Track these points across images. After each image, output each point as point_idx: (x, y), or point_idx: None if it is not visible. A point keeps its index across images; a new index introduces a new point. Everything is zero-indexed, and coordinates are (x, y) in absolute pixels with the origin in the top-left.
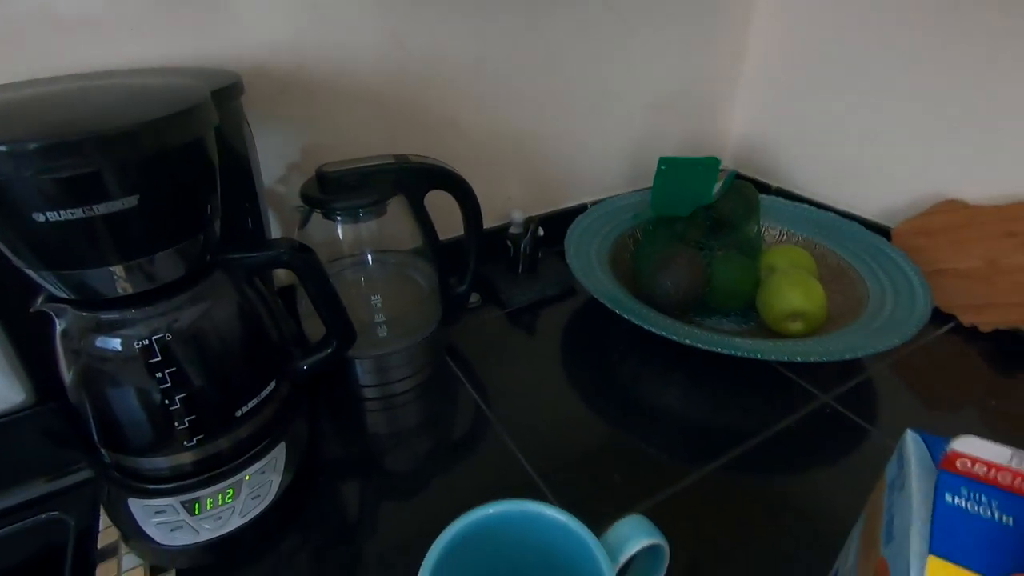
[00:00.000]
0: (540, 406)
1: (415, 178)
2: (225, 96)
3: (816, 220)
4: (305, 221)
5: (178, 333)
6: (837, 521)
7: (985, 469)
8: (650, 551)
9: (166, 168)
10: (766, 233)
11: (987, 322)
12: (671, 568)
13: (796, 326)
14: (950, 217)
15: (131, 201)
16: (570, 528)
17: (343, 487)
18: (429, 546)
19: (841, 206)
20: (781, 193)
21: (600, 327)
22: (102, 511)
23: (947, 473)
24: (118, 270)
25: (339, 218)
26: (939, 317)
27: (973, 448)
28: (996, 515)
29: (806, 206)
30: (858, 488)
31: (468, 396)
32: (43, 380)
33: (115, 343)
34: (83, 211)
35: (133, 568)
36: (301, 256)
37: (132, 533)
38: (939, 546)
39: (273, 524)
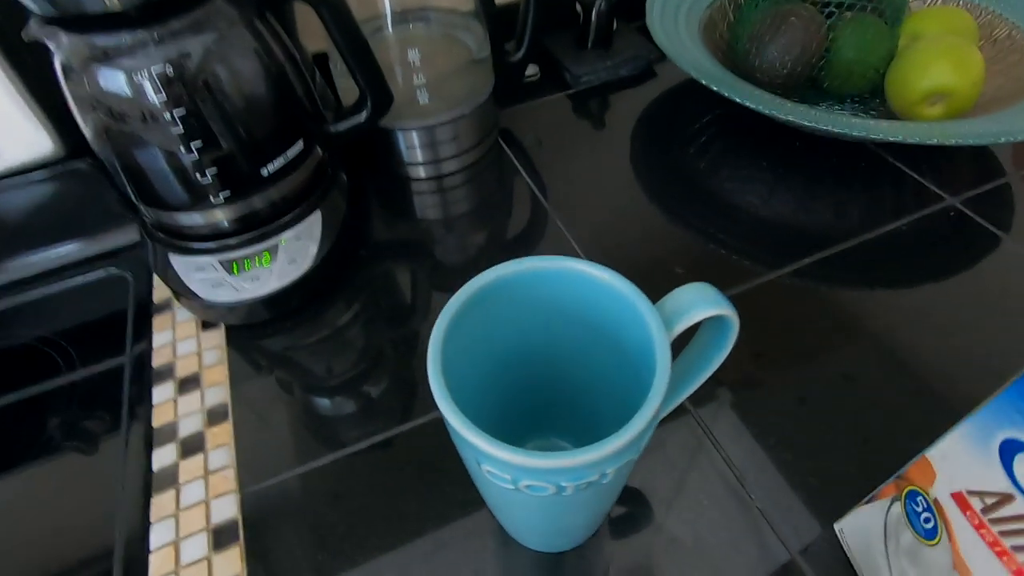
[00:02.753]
0: (604, 199)
1: None
2: None
3: None
4: None
5: (182, 68)
6: (954, 336)
7: None
8: (714, 325)
9: None
10: None
11: None
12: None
13: (934, 111)
14: None
15: None
16: (615, 289)
17: (387, 262)
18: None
19: None
20: None
21: (679, 115)
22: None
23: None
24: None
25: None
26: None
27: None
28: None
29: None
30: (981, 301)
31: (524, 185)
32: (71, 133)
33: (118, 77)
34: None
35: (186, 321)
36: None
37: (179, 288)
38: None
39: (313, 290)
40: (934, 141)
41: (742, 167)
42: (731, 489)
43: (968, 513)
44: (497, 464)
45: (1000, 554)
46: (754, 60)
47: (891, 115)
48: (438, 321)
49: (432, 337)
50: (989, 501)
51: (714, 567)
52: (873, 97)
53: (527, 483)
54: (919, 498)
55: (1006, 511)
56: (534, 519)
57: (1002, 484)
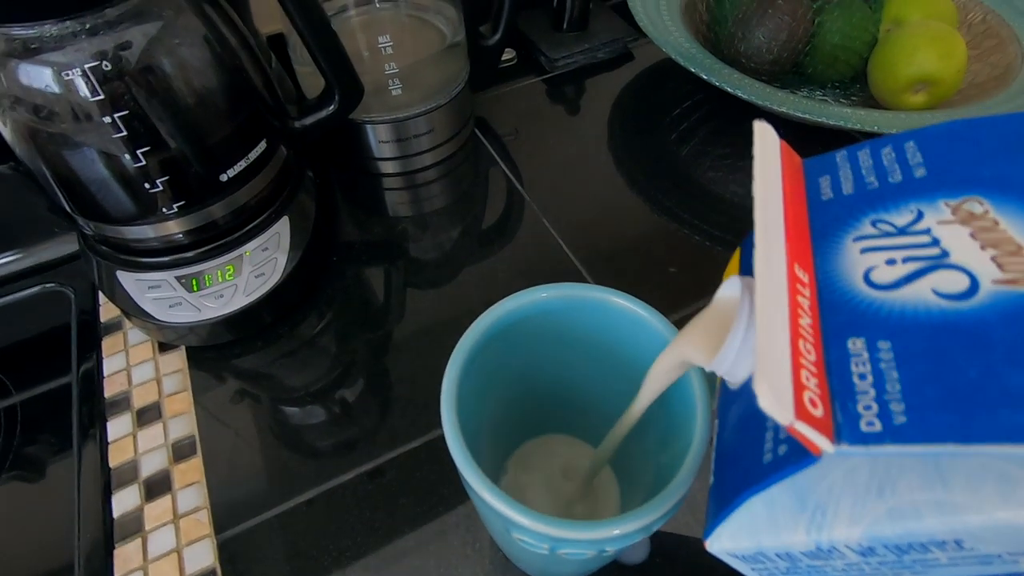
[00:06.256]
0: (586, 190)
1: None
2: None
3: None
4: None
5: (122, 63)
6: None
7: None
8: None
9: None
10: None
11: None
12: None
13: (918, 99)
14: None
15: None
16: (648, 324)
17: (361, 267)
18: (465, 328)
19: None
20: None
21: (660, 100)
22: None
23: None
24: None
25: None
26: None
27: None
28: None
29: None
30: None
31: (501, 176)
32: None
33: (44, 75)
34: None
35: (140, 343)
36: None
37: (129, 308)
38: None
39: (284, 306)
40: None
41: (726, 155)
42: None
43: None
44: (534, 535)
45: None
46: (740, 45)
47: (872, 101)
48: (449, 369)
49: (444, 390)
50: None
51: None
52: (853, 83)
53: (566, 551)
54: None
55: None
56: (553, 568)
57: None
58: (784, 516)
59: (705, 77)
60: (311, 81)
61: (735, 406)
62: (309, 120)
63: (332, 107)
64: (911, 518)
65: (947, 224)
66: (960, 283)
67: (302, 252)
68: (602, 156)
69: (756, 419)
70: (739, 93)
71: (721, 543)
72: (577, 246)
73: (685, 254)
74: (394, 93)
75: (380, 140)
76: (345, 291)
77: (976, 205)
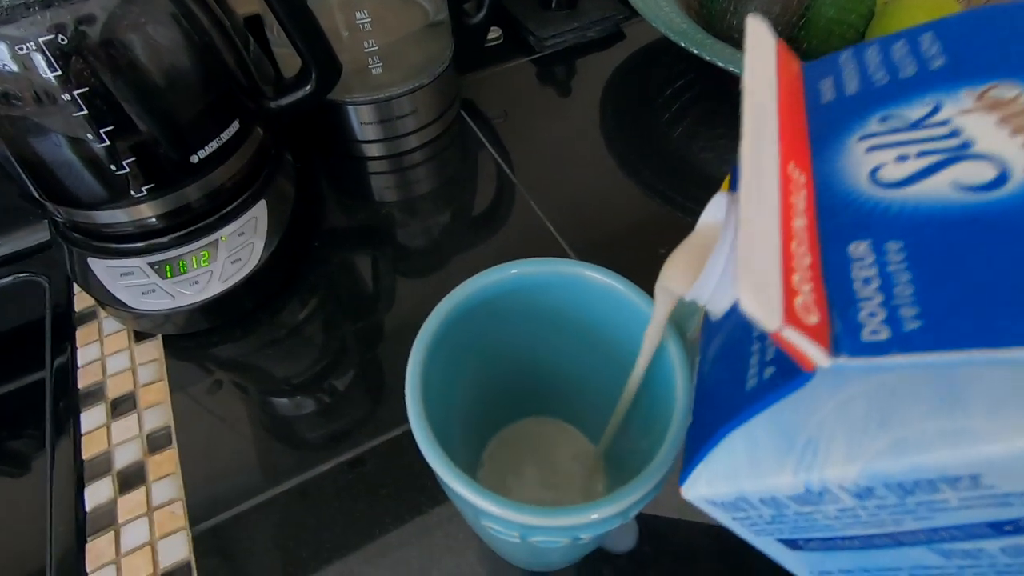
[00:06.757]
0: (576, 173)
1: None
2: None
3: None
4: None
5: (81, 37)
6: None
7: None
8: None
9: None
10: None
11: None
12: None
13: None
14: None
15: None
16: (624, 297)
17: (345, 252)
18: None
19: None
20: None
21: (651, 80)
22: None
23: None
24: None
25: None
26: None
27: None
28: None
29: None
30: None
31: (490, 160)
32: None
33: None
34: None
35: (115, 332)
36: None
37: (102, 297)
38: None
39: (262, 291)
40: None
41: (719, 135)
42: None
43: None
44: (502, 523)
45: None
46: (732, 20)
47: None
48: (414, 353)
49: (409, 375)
50: None
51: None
52: None
53: (538, 539)
54: None
55: None
56: (535, 558)
57: None
58: (767, 457)
59: (697, 52)
60: (290, 63)
61: (716, 338)
62: (285, 100)
63: (309, 87)
64: (919, 450)
65: (970, 113)
66: (986, 173)
67: (280, 237)
68: (593, 138)
69: (739, 346)
70: (732, 68)
71: (697, 489)
72: (567, 230)
73: (678, 236)
74: (375, 72)
75: (363, 122)
76: (328, 278)
77: (1005, 90)
